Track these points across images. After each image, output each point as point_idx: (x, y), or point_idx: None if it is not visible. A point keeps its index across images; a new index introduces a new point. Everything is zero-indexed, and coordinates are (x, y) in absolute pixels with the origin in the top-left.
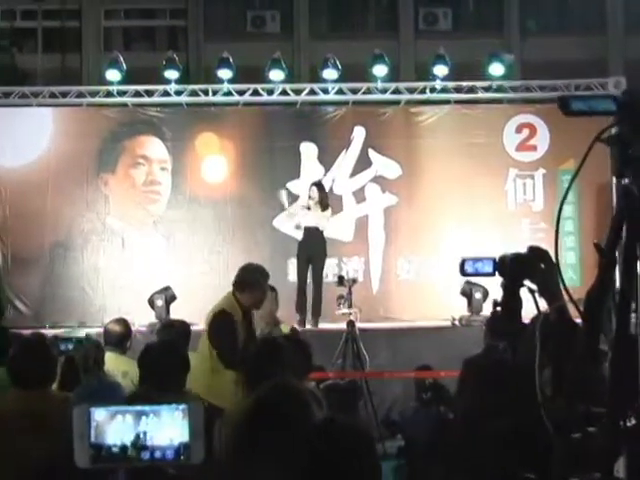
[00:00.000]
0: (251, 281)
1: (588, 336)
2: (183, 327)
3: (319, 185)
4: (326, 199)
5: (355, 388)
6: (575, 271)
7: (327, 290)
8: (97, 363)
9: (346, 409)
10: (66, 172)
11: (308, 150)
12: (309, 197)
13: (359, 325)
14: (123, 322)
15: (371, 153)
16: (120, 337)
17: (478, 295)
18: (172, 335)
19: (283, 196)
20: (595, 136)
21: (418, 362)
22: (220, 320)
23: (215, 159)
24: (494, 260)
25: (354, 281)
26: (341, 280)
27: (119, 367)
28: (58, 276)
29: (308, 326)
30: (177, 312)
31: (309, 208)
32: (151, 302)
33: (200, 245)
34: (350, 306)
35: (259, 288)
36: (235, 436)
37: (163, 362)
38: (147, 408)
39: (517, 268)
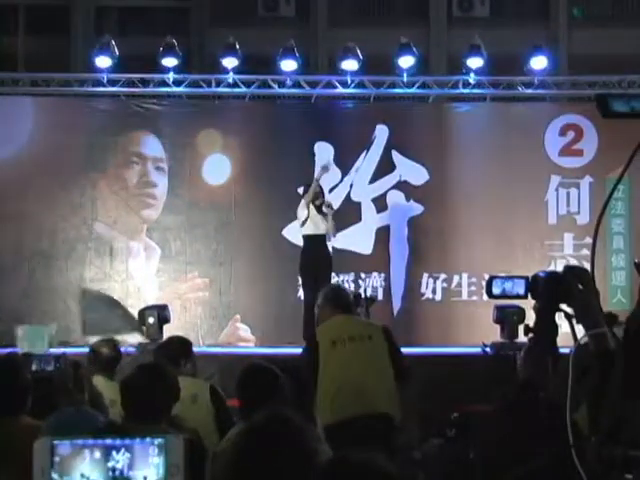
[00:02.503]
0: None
1: (626, 368)
2: (182, 344)
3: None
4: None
5: None
6: (625, 294)
7: None
8: (77, 385)
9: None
10: (48, 171)
11: (323, 151)
12: (317, 196)
13: None
14: (112, 343)
15: (395, 155)
16: (108, 360)
17: (513, 319)
18: (170, 355)
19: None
20: (638, 143)
21: (443, 394)
22: None
23: (218, 159)
24: (526, 280)
25: (372, 300)
26: (357, 299)
27: (106, 395)
28: (38, 288)
29: None
30: (171, 330)
31: (320, 210)
32: (142, 319)
33: (199, 255)
34: None
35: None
36: (224, 472)
37: (147, 389)
38: (118, 442)
39: (552, 290)
